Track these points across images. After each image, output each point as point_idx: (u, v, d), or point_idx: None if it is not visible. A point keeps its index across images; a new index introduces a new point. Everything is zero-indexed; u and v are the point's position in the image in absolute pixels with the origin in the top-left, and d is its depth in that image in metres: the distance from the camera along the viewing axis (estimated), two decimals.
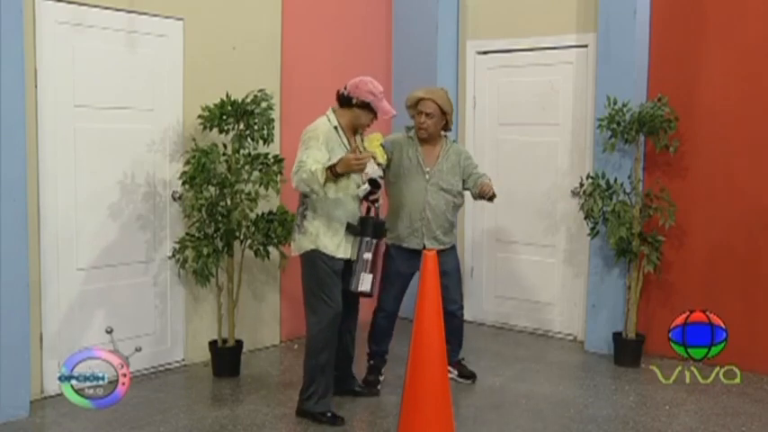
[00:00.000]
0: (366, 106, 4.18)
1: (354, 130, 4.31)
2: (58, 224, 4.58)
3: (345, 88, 4.23)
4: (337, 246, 4.21)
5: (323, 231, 4.19)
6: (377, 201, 4.31)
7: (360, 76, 4.26)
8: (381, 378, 4.88)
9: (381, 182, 4.32)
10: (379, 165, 4.32)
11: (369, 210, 4.36)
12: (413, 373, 3.72)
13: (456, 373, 4.93)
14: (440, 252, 4.57)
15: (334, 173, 3.99)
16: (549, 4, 6.11)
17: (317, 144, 4.08)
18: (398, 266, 4.72)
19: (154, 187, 5.04)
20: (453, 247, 4.89)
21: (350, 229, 4.22)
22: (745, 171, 5.27)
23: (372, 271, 4.25)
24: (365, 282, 4.23)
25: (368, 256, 4.22)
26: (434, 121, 4.65)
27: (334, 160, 4.03)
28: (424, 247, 4.62)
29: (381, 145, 4.40)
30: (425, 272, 3.75)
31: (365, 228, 4.24)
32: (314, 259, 4.20)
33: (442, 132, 4.78)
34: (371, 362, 4.90)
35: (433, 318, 3.75)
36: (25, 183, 4.25)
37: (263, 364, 5.38)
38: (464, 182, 4.76)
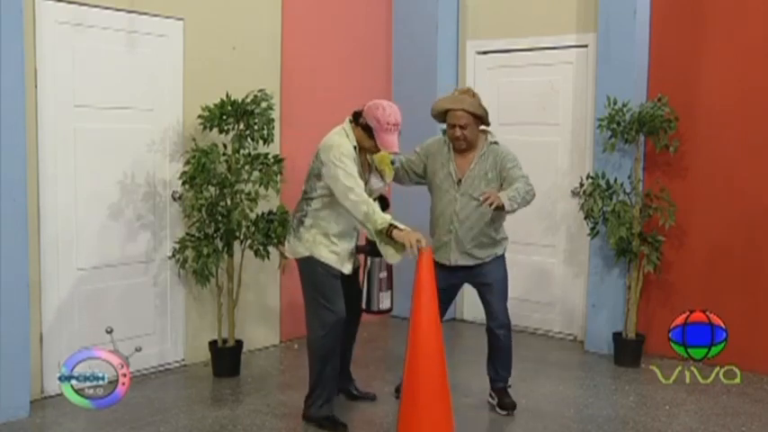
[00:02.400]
0: (368, 130, 3.97)
1: (367, 149, 4.10)
2: (58, 224, 4.58)
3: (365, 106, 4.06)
4: (333, 258, 4.09)
5: (318, 240, 4.08)
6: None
7: (385, 101, 4.07)
8: None
9: (388, 200, 4.24)
10: (388, 182, 4.24)
11: None
12: (410, 373, 3.68)
13: (496, 401, 4.52)
14: (482, 264, 4.37)
15: (390, 234, 3.77)
16: (548, 4, 6.11)
17: (350, 159, 3.93)
18: (437, 280, 4.44)
19: (154, 187, 5.04)
20: (497, 258, 4.43)
21: (360, 249, 4.18)
22: (745, 171, 5.27)
23: (389, 287, 4.19)
24: (384, 300, 4.19)
25: (383, 275, 4.15)
26: (471, 130, 4.24)
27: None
28: (455, 263, 4.35)
29: (392, 162, 4.18)
30: (420, 268, 3.66)
31: (375, 247, 4.02)
32: (310, 265, 4.11)
33: (483, 130, 4.35)
34: None
35: (430, 316, 3.70)
36: (25, 183, 4.25)
37: (263, 364, 5.38)
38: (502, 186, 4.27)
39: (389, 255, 3.88)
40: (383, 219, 3.80)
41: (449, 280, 4.39)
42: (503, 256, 4.48)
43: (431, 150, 4.44)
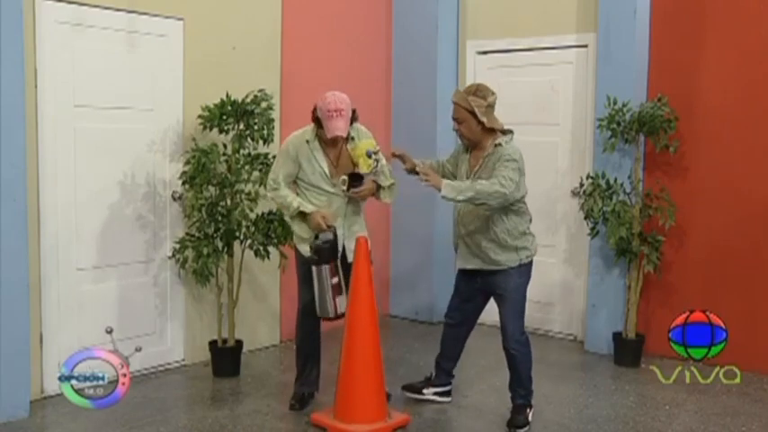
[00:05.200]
0: (317, 122, 4.18)
1: (334, 141, 4.23)
2: (58, 224, 4.58)
3: None
4: (304, 243, 4.33)
5: (296, 228, 4.37)
6: (358, 186, 4.23)
7: (331, 91, 4.17)
8: (426, 392, 4.60)
9: (364, 179, 4.23)
10: (365, 174, 4.20)
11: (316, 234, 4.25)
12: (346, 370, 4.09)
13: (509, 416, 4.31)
14: (495, 272, 4.24)
15: (303, 216, 4.25)
16: (548, 4, 6.11)
17: (286, 157, 4.27)
18: (458, 280, 4.46)
19: (154, 187, 5.04)
20: (513, 268, 4.21)
21: (311, 259, 4.20)
22: (745, 171, 5.27)
23: (342, 291, 4.18)
24: (341, 304, 4.19)
25: (335, 280, 4.16)
26: (467, 126, 4.13)
27: (310, 205, 4.26)
28: (463, 267, 4.33)
29: (367, 153, 4.14)
30: (356, 258, 4.10)
31: (321, 256, 4.17)
32: (296, 252, 4.44)
33: (499, 132, 4.20)
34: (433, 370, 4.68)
35: (365, 317, 4.07)
36: (25, 183, 4.25)
37: (263, 364, 5.38)
38: None
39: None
40: (294, 207, 4.22)
41: (468, 283, 4.38)
42: (521, 267, 4.22)
43: (457, 151, 4.40)
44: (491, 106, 4.15)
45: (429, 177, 4.02)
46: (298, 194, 4.33)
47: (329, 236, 4.19)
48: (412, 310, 6.69)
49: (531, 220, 4.32)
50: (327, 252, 4.17)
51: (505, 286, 4.22)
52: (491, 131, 4.17)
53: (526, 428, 4.22)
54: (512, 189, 4.03)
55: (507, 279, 4.22)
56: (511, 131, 4.27)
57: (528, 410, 4.29)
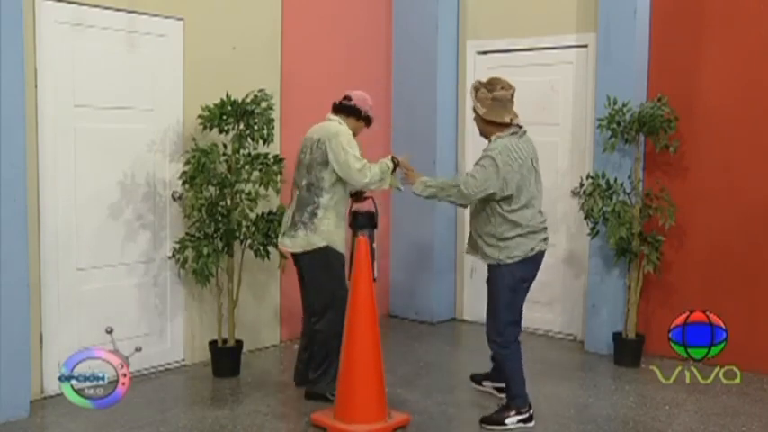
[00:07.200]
0: (368, 120, 4.58)
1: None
2: (58, 224, 4.58)
3: (350, 99, 4.51)
4: (343, 242, 4.50)
5: (334, 229, 4.42)
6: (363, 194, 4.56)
7: (358, 90, 4.59)
8: (485, 384, 4.72)
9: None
10: None
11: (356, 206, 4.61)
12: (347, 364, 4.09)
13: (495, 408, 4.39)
14: (488, 265, 4.30)
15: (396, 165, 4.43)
16: (548, 4, 6.11)
17: (357, 147, 4.41)
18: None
19: (154, 187, 5.04)
20: (498, 265, 4.18)
21: (357, 223, 4.37)
22: (745, 171, 5.27)
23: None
24: (376, 269, 4.33)
25: (375, 245, 4.36)
26: (477, 122, 4.30)
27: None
28: (466, 253, 4.56)
29: None
30: (356, 258, 4.13)
31: (369, 221, 4.40)
32: (327, 255, 4.44)
33: (505, 127, 4.23)
34: None
35: (365, 317, 4.08)
36: (25, 183, 4.25)
37: (263, 364, 5.38)
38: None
39: (394, 183, 4.53)
40: (387, 162, 4.41)
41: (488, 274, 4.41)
42: (501, 267, 4.16)
43: None
44: (496, 99, 4.17)
45: (411, 178, 4.33)
46: (332, 195, 4.41)
47: (372, 209, 4.49)
48: (412, 310, 6.70)
49: (528, 229, 4.16)
50: (367, 221, 4.38)
51: (490, 283, 4.31)
52: (496, 125, 4.19)
53: (499, 428, 4.21)
54: (472, 188, 4.05)
55: (491, 275, 4.28)
56: (516, 127, 4.24)
57: (511, 413, 4.23)
